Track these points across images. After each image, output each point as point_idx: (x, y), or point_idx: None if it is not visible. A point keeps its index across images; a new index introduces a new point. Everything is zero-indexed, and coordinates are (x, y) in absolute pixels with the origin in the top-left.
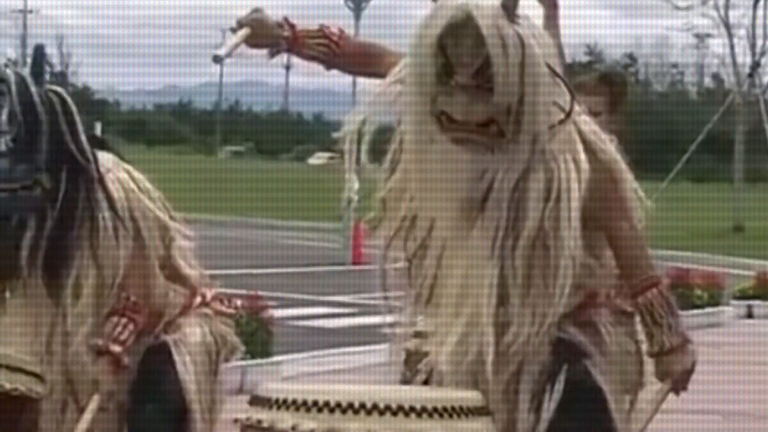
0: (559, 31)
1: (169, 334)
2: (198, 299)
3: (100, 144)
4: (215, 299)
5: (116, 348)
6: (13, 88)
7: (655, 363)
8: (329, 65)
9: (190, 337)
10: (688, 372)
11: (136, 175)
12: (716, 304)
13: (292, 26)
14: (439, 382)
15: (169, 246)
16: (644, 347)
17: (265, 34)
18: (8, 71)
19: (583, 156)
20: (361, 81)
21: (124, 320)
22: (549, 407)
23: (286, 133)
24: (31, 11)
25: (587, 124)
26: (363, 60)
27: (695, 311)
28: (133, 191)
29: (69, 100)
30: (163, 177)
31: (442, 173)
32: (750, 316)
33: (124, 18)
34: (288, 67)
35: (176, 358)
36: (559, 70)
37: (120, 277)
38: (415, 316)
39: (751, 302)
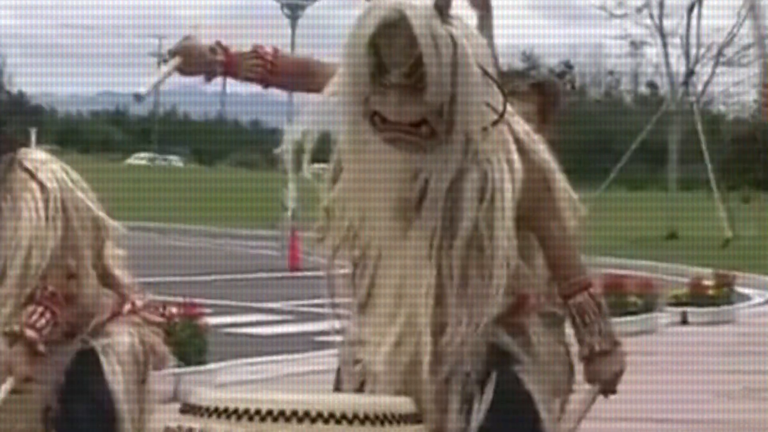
0: (493, 32)
1: (98, 339)
2: (128, 306)
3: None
4: (146, 307)
5: (31, 333)
6: None
7: (585, 366)
8: (266, 85)
9: (119, 344)
10: (618, 375)
11: (73, 174)
12: (650, 310)
13: (225, 49)
14: (374, 387)
15: (102, 246)
16: (574, 350)
17: (198, 62)
18: None
19: (516, 156)
20: None
21: (41, 308)
22: (479, 412)
23: (223, 141)
24: None
25: (520, 124)
26: (300, 77)
27: (629, 318)
28: (66, 182)
29: None
30: (98, 184)
31: (377, 174)
32: (684, 322)
33: (61, 23)
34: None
35: (104, 365)
36: (492, 71)
37: (44, 266)
38: (354, 324)
39: (685, 309)
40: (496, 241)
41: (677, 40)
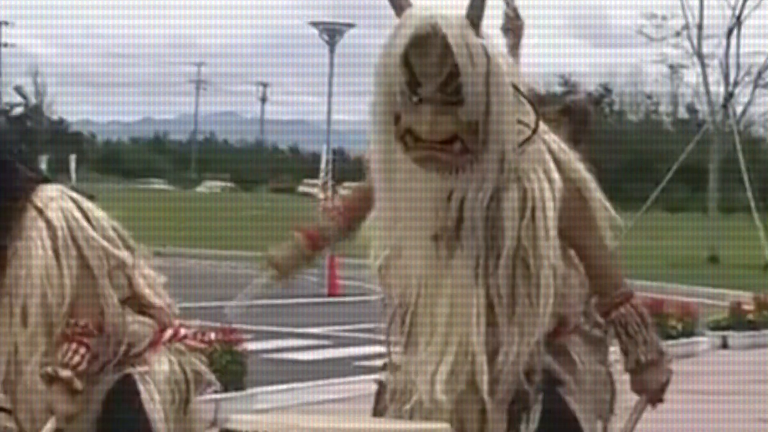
0: (520, 60)
1: (136, 368)
2: (169, 332)
3: (44, 179)
4: (189, 336)
5: (66, 373)
6: None
7: (632, 377)
8: (346, 237)
9: (158, 372)
10: (664, 385)
11: (86, 204)
12: (690, 334)
13: (311, 238)
14: (430, 415)
15: (131, 275)
16: (618, 367)
17: (292, 264)
18: None
19: (555, 173)
20: (336, 110)
21: (74, 345)
22: None
23: (262, 167)
24: (6, 45)
25: (556, 143)
26: (366, 203)
27: (669, 341)
28: (76, 219)
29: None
30: (137, 209)
31: (410, 197)
32: (724, 346)
33: (100, 49)
34: (264, 99)
35: (142, 392)
36: (522, 89)
37: (67, 304)
38: (392, 348)
39: (725, 333)
40: (540, 253)
41: (716, 63)
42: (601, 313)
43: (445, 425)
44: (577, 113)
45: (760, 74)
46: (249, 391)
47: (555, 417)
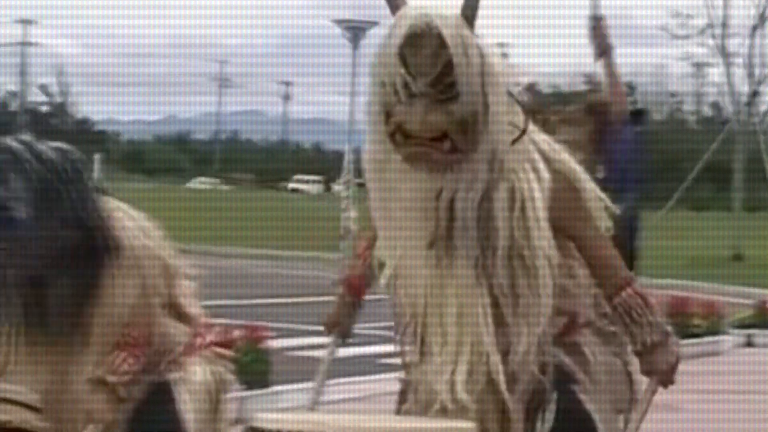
0: (617, 68)
1: (171, 373)
2: (200, 340)
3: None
4: (216, 343)
5: (113, 378)
6: (25, 156)
7: (640, 360)
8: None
9: (193, 375)
10: (674, 365)
11: (134, 213)
12: (715, 332)
13: (353, 287)
14: (453, 414)
15: (172, 284)
16: (633, 367)
17: (348, 319)
18: (13, 143)
19: (541, 165)
20: (359, 109)
21: (124, 354)
22: None
23: (285, 163)
24: (30, 44)
25: (546, 142)
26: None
27: (694, 340)
28: (136, 230)
29: (75, 156)
30: (162, 212)
31: (399, 193)
32: (749, 345)
33: (124, 48)
34: (287, 97)
35: (177, 396)
36: (514, 89)
37: (126, 317)
38: (407, 357)
39: (750, 331)
40: (534, 248)
41: (741, 61)
42: (606, 298)
43: (471, 424)
44: (601, 112)
45: None
46: (273, 389)
47: (569, 417)
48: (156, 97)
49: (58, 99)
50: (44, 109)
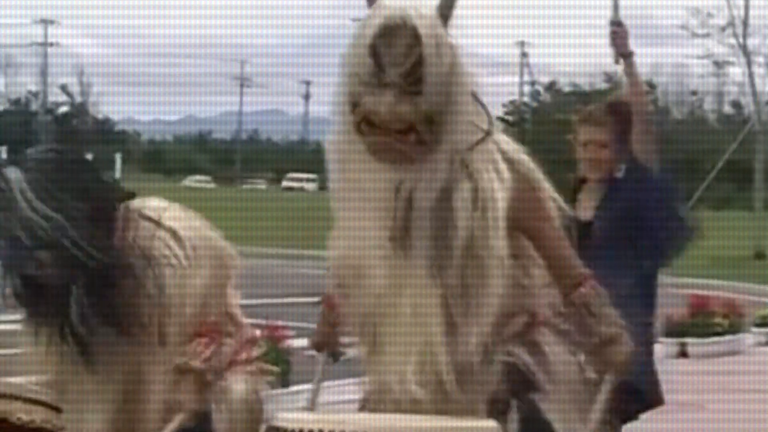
0: (638, 71)
1: (215, 385)
2: (244, 355)
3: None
4: (261, 359)
5: (197, 364)
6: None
7: (597, 355)
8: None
9: (235, 390)
10: (628, 357)
11: (183, 212)
12: (737, 331)
13: (333, 305)
14: (401, 404)
15: (225, 284)
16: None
17: (334, 336)
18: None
19: (503, 166)
20: None
21: (204, 340)
22: None
23: (305, 162)
24: (51, 44)
25: (507, 143)
26: None
27: (715, 338)
28: (192, 221)
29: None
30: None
31: (360, 184)
32: None
33: (144, 48)
34: (307, 96)
35: (214, 412)
36: (477, 92)
37: (199, 306)
38: (367, 356)
39: None
40: (490, 248)
41: (762, 59)
42: (563, 295)
43: (493, 423)
44: (622, 112)
45: None
46: (293, 388)
47: (528, 426)
48: (176, 96)
49: (79, 99)
50: (65, 109)
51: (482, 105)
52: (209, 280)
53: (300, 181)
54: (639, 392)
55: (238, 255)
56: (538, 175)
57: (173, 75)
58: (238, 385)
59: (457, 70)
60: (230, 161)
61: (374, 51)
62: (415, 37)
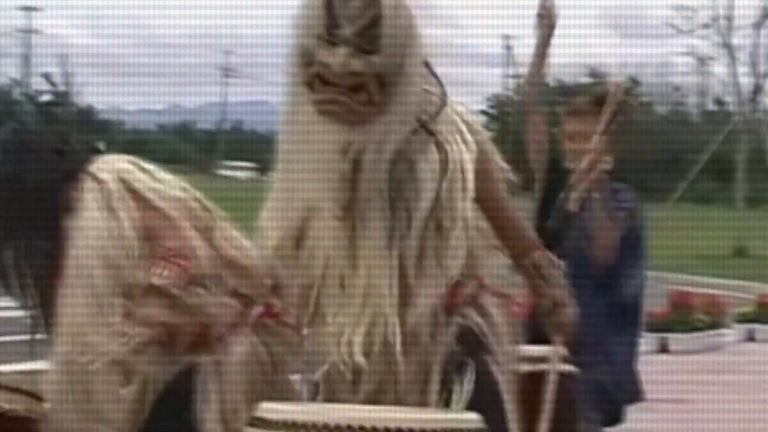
0: (550, 51)
1: (209, 355)
2: (257, 310)
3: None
4: (269, 313)
5: (158, 280)
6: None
7: (548, 318)
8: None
9: (234, 356)
10: (574, 322)
11: (150, 166)
12: (718, 327)
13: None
14: (344, 376)
15: (212, 237)
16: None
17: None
18: None
19: (470, 137)
20: None
21: (164, 263)
22: (459, 403)
23: None
24: (34, 31)
25: (468, 114)
26: None
27: (696, 334)
28: (133, 174)
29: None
30: None
31: (306, 145)
32: (751, 339)
33: (128, 38)
34: None
35: (200, 384)
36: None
37: (136, 255)
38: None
39: (752, 326)
40: (455, 218)
41: (745, 56)
42: (515, 260)
43: (474, 415)
44: (610, 104)
45: None
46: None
47: (481, 387)
48: (161, 87)
49: (62, 88)
50: (47, 98)
51: (435, 75)
52: (149, 223)
53: (237, 169)
54: (620, 389)
55: (215, 218)
56: (491, 145)
57: (159, 65)
58: (239, 348)
59: (413, 33)
60: (213, 151)
61: (329, 4)
62: None
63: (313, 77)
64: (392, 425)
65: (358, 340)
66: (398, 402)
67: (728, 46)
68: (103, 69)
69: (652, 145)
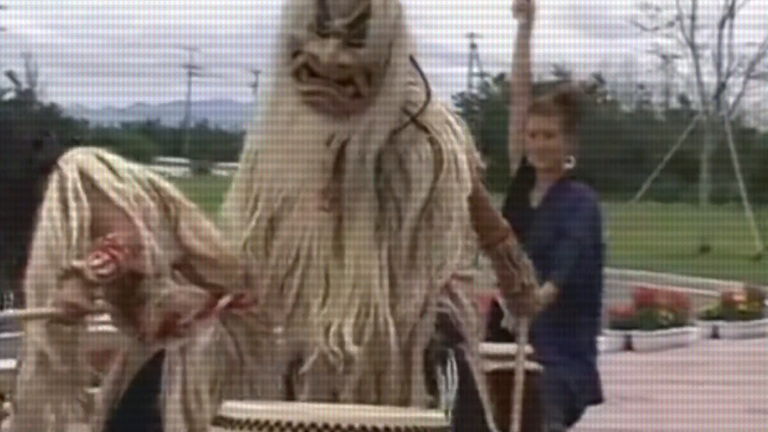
0: (532, 42)
1: (175, 342)
2: (226, 299)
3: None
4: (237, 304)
5: (78, 263)
6: None
7: (515, 300)
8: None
9: (200, 343)
10: (538, 306)
11: (112, 157)
12: (681, 324)
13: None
14: (332, 368)
15: (176, 227)
16: None
17: None
18: None
19: (459, 128)
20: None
21: (97, 253)
22: (446, 392)
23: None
24: None
25: (446, 104)
26: None
27: (660, 331)
28: (94, 167)
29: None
30: None
31: (289, 136)
32: (715, 336)
33: (93, 36)
34: (255, 86)
35: (164, 373)
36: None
37: (74, 246)
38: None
39: (716, 323)
40: (450, 210)
41: (709, 54)
42: (487, 247)
43: (440, 414)
44: (571, 102)
45: (752, 65)
46: None
47: (461, 378)
48: (126, 87)
49: (25, 85)
50: (10, 96)
51: (418, 69)
52: (96, 216)
53: (171, 165)
54: (581, 389)
55: (180, 209)
56: (469, 135)
57: (122, 64)
58: (204, 337)
59: (401, 27)
60: (178, 150)
61: (320, 1)
62: None
63: (301, 67)
64: (356, 423)
65: (347, 330)
66: (384, 392)
67: (692, 45)
68: (67, 68)
69: (617, 143)
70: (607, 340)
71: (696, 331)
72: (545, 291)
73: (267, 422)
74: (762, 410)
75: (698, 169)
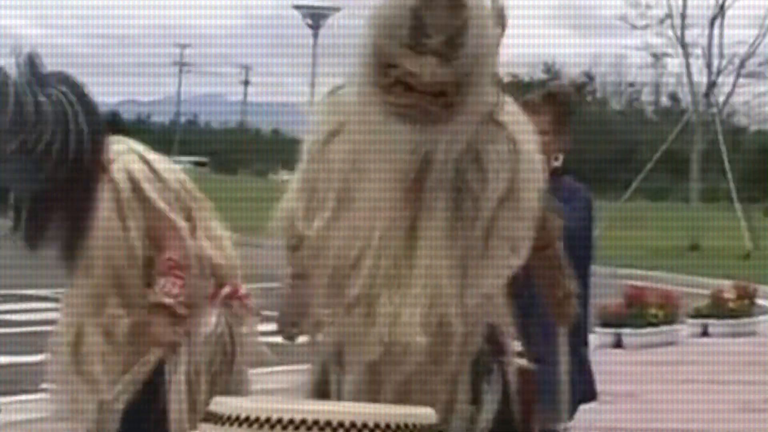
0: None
1: (180, 327)
2: (226, 290)
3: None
4: (238, 296)
5: (168, 300)
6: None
7: (557, 307)
8: None
9: (202, 329)
10: (576, 313)
11: (151, 156)
12: (671, 322)
13: None
14: (397, 357)
15: (194, 226)
16: None
17: None
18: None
19: (530, 126)
20: (319, 92)
21: (170, 278)
22: (491, 403)
23: (244, 150)
24: None
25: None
26: None
27: (650, 329)
28: (142, 172)
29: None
30: None
31: (374, 145)
32: (705, 334)
33: (84, 32)
34: (246, 82)
35: (183, 346)
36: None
37: (139, 265)
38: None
39: (706, 321)
40: (525, 203)
41: (699, 51)
42: (535, 248)
43: (429, 410)
44: (561, 101)
45: (742, 64)
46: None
47: (504, 397)
48: (115, 78)
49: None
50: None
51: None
52: (153, 227)
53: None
54: (574, 387)
55: (201, 209)
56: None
57: (112, 56)
58: (206, 323)
59: (494, 37)
60: (168, 146)
61: (416, 14)
62: (459, 3)
63: (395, 82)
64: (346, 419)
65: (416, 320)
66: (429, 392)
67: (683, 44)
68: (56, 63)
69: (607, 141)
70: (597, 338)
71: (686, 329)
72: None
73: (257, 419)
74: (751, 409)
75: (688, 167)
